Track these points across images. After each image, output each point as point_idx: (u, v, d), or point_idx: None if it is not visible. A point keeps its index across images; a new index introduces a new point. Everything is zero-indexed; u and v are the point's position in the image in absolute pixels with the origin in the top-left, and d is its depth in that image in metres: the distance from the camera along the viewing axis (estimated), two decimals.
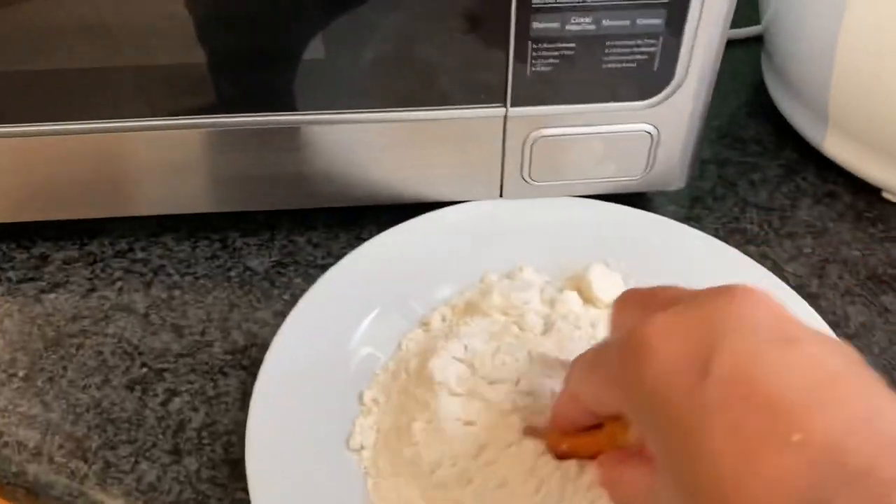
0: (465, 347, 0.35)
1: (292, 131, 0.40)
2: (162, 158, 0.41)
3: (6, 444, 0.37)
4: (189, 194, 0.43)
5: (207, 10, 0.36)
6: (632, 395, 0.22)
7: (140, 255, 0.45)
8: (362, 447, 0.34)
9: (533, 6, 0.35)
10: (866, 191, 0.48)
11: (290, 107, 0.39)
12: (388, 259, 0.41)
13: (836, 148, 0.48)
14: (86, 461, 0.36)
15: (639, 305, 0.25)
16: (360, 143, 0.41)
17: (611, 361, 0.23)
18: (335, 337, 0.38)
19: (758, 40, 0.56)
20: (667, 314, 0.21)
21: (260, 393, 0.35)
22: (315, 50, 0.37)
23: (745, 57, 0.57)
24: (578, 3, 0.35)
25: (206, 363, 0.40)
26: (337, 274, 0.40)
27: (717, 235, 0.42)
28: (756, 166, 0.50)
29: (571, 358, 0.31)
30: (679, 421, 0.19)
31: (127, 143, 0.40)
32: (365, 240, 0.42)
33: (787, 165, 0.50)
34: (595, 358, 0.25)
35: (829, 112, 0.46)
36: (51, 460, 0.36)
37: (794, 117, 0.50)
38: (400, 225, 0.42)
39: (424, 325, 0.39)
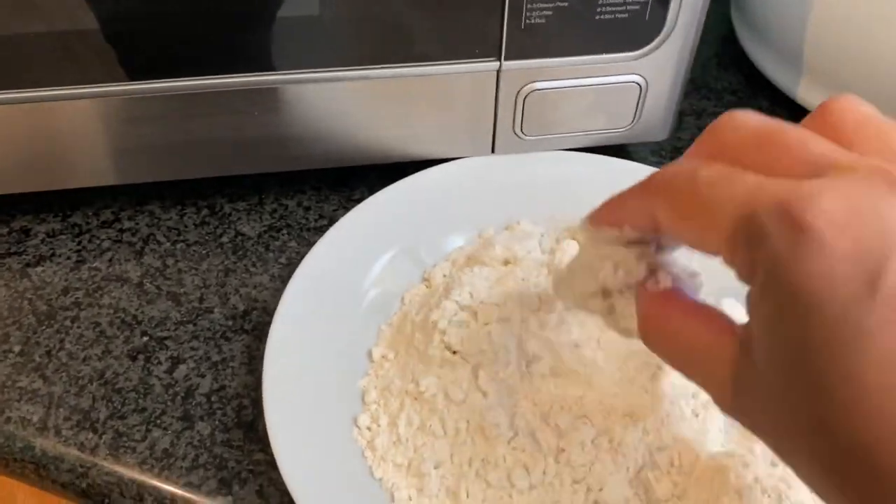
0: (470, 294, 0.35)
1: (279, 91, 0.39)
2: (141, 123, 0.40)
3: (9, 420, 0.36)
4: (173, 160, 0.43)
5: None
6: (772, 276, 0.19)
7: (127, 224, 0.44)
8: (368, 428, 0.34)
9: None
10: None
11: (277, 66, 0.38)
12: (385, 218, 0.41)
13: (811, 95, 0.49)
14: (95, 432, 0.35)
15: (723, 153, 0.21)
16: (351, 101, 0.40)
17: (735, 213, 0.20)
18: (343, 292, 0.38)
19: None
20: (838, 189, 0.18)
21: (272, 351, 0.35)
22: (306, 5, 0.36)
23: (712, 8, 0.58)
24: None
25: (208, 329, 0.39)
26: (336, 233, 0.40)
27: None
28: None
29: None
30: (826, 326, 0.18)
31: (102, 108, 0.39)
32: (357, 201, 0.42)
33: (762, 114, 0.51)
34: (702, 191, 0.21)
35: (805, 60, 0.48)
36: (58, 433, 0.35)
37: (766, 67, 0.52)
38: (396, 183, 0.42)
39: (426, 280, 0.39)
